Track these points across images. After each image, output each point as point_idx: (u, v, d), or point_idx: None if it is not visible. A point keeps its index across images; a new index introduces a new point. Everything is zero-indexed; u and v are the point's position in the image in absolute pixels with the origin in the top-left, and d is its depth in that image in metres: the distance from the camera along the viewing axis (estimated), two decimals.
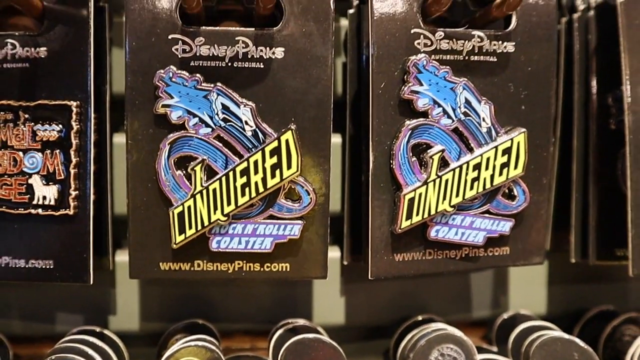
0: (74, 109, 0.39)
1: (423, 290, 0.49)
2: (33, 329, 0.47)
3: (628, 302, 0.52)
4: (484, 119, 0.40)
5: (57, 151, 0.39)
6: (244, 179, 0.38)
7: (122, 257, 0.45)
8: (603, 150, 0.45)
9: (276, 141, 0.38)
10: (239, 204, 0.38)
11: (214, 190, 0.38)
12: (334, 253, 0.46)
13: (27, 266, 0.40)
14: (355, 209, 0.44)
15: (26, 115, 0.39)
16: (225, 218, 0.38)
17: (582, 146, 0.46)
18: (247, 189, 0.38)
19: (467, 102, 0.40)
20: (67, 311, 0.46)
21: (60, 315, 0.46)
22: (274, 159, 0.38)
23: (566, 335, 0.42)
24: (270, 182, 0.38)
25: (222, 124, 0.38)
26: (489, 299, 0.50)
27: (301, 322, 0.46)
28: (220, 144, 0.38)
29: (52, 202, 0.39)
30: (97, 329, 0.45)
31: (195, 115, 0.38)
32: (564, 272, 0.51)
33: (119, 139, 0.44)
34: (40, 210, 0.39)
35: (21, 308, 0.46)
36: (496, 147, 0.41)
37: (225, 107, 0.38)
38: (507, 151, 0.41)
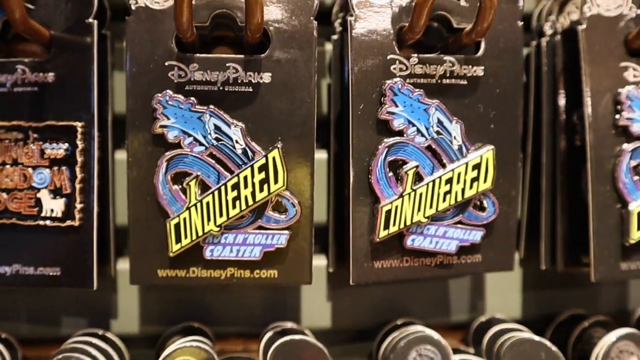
0: (79, 129, 0.40)
1: (405, 295, 0.50)
2: (40, 332, 0.47)
3: (597, 306, 0.53)
4: (455, 137, 0.42)
5: (64, 168, 0.41)
6: (235, 193, 0.40)
7: (123, 265, 0.46)
8: (570, 165, 0.47)
9: (264, 158, 0.40)
10: (230, 216, 0.40)
11: (207, 203, 0.40)
12: (320, 261, 0.48)
13: (35, 273, 0.41)
14: (340, 220, 0.45)
15: (35, 135, 0.41)
16: (218, 229, 0.40)
17: (551, 161, 0.47)
18: (237, 202, 0.40)
19: (440, 121, 0.42)
20: (72, 315, 0.47)
21: (66, 318, 0.47)
22: (262, 175, 0.40)
23: (535, 337, 0.44)
24: (259, 196, 0.40)
25: (215, 142, 0.40)
26: (467, 304, 0.51)
27: (289, 325, 0.47)
28: (213, 161, 0.40)
29: (59, 215, 0.41)
30: (100, 332, 0.46)
31: (190, 135, 0.40)
32: (538, 278, 0.51)
33: (121, 155, 0.45)
34: (48, 222, 0.41)
35: (29, 312, 0.47)
36: (466, 163, 0.42)
37: (217, 128, 0.40)
38: (476, 167, 0.42)
